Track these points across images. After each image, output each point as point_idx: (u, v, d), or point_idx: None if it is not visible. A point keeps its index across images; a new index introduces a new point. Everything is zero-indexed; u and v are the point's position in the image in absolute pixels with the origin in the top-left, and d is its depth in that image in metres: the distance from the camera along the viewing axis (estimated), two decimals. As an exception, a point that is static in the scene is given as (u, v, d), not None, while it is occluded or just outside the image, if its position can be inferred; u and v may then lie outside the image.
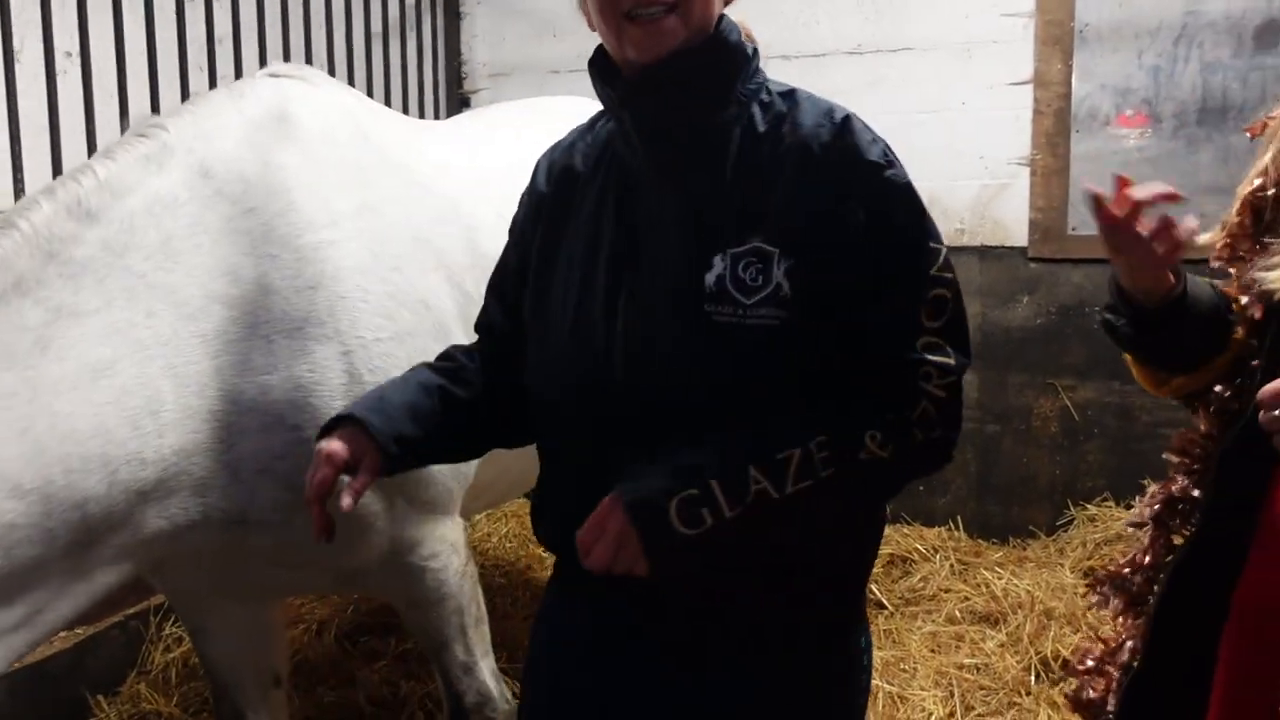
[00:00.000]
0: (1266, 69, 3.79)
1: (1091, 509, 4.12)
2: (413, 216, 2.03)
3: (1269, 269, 1.27)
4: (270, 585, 2.10)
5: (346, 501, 1.40)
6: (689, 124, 1.33)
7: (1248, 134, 1.45)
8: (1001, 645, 3.44)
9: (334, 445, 1.42)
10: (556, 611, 1.51)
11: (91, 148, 2.99)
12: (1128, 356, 1.47)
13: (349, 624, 3.53)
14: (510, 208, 1.95)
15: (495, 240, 1.99)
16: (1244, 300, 1.34)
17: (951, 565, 3.99)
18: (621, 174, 1.38)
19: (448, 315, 2.01)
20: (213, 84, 3.47)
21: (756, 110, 1.33)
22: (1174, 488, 1.45)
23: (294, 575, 1.99)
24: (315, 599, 3.59)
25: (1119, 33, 3.98)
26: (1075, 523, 4.13)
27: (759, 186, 1.29)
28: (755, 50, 1.39)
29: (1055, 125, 4.08)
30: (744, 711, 1.37)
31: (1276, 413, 1.09)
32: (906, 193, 1.31)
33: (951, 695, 3.16)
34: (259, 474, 1.74)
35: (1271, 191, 1.31)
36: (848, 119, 1.32)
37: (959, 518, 4.31)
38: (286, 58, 3.78)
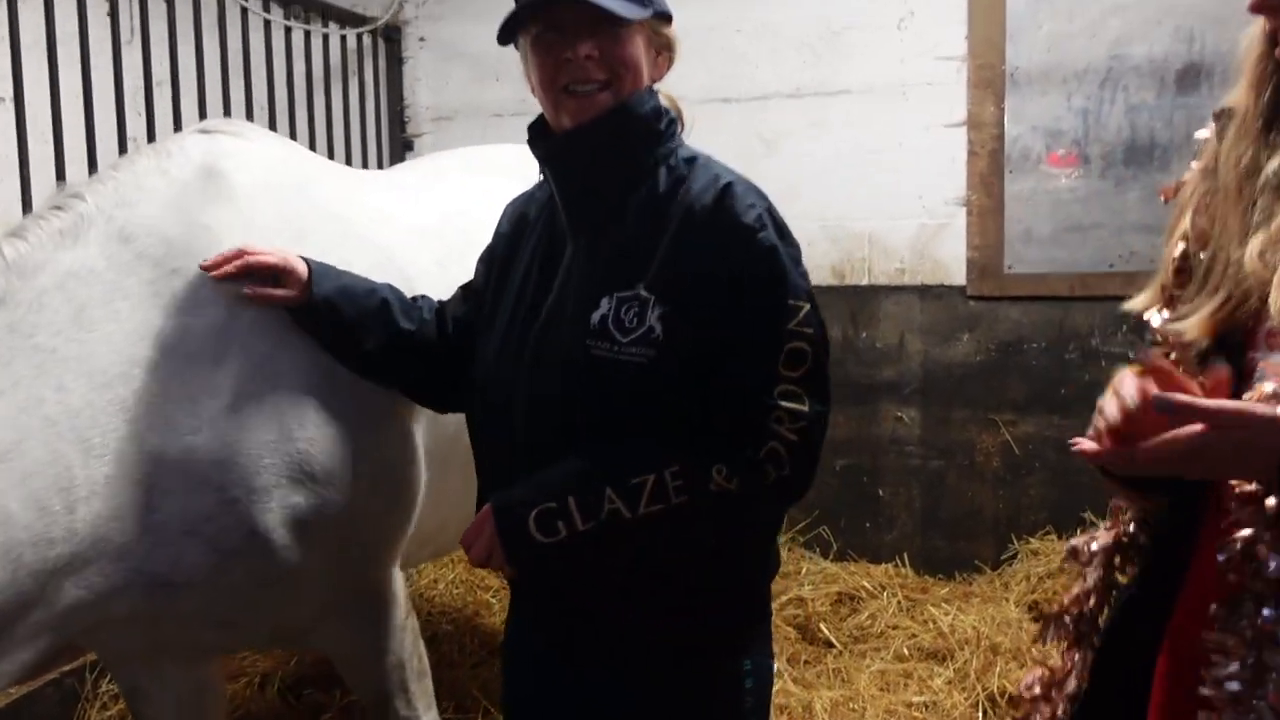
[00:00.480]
0: (1189, 109, 3.91)
1: (1034, 542, 4.17)
2: (350, 267, 2.03)
3: (1180, 319, 1.30)
4: (204, 645, 2.06)
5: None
6: (599, 183, 1.50)
7: (1162, 197, 1.48)
8: (949, 682, 3.46)
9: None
10: (510, 625, 1.74)
11: (26, 194, 2.95)
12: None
13: (292, 676, 3.46)
14: (448, 256, 1.95)
15: (433, 289, 2.00)
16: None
17: (899, 602, 4.01)
18: (551, 226, 1.58)
19: None
20: (150, 129, 3.45)
21: (662, 173, 1.50)
22: (1119, 531, 1.47)
23: (228, 634, 1.95)
24: (256, 651, 3.53)
25: (1048, 76, 4.09)
26: (1019, 556, 4.18)
27: (649, 240, 1.46)
28: (672, 120, 1.54)
29: (989, 166, 4.17)
30: (622, 713, 1.54)
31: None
32: (773, 254, 1.44)
33: (903, 734, 3.18)
34: (185, 535, 1.71)
35: (1195, 250, 1.35)
36: (730, 185, 1.47)
37: (905, 554, 4.34)
38: (226, 102, 3.77)
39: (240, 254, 1.78)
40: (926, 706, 3.32)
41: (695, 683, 1.54)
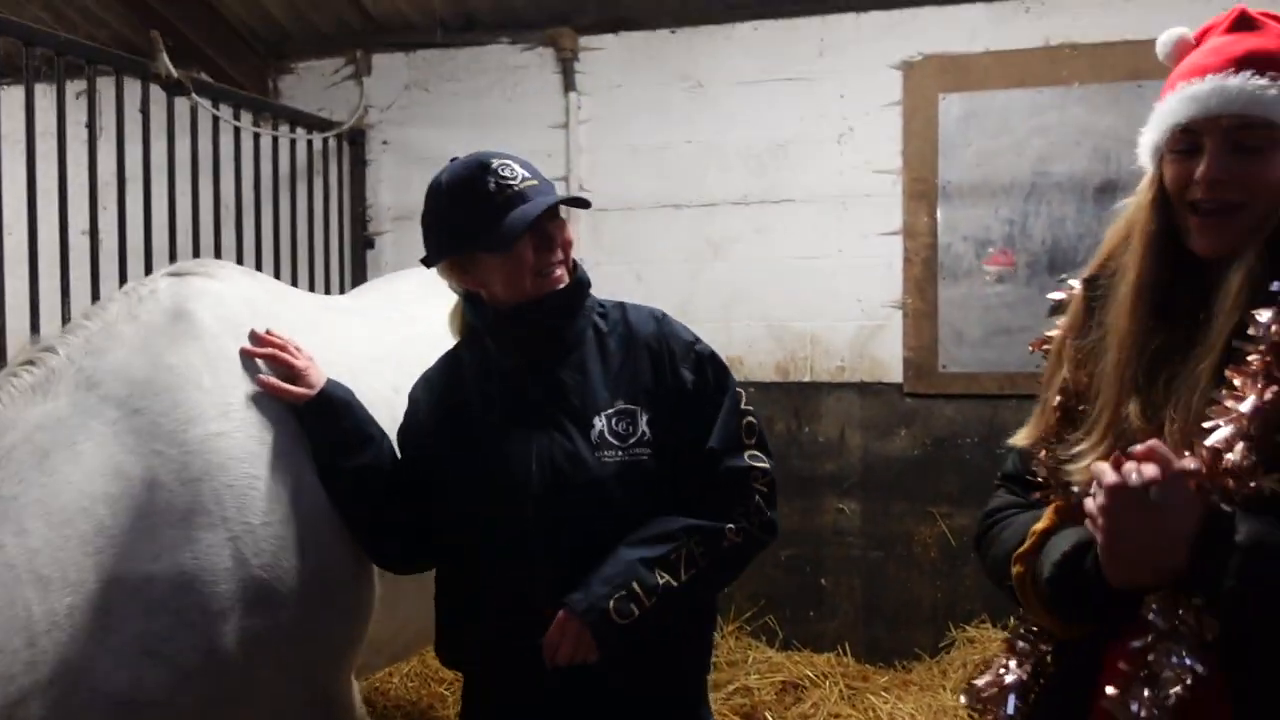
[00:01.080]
0: (1106, 221, 4.13)
1: (971, 631, 4.33)
2: None
3: (1070, 461, 1.43)
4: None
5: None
6: (563, 333, 1.85)
7: (1030, 348, 1.65)
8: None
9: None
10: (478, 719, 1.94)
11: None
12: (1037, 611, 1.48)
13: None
14: (406, 380, 2.12)
15: (390, 413, 2.15)
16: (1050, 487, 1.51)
17: (840, 690, 4.13)
18: (501, 381, 1.87)
19: None
20: (121, 221, 3.57)
21: (598, 319, 1.89)
22: (1025, 670, 1.53)
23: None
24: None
25: (977, 190, 4.35)
26: (956, 644, 4.33)
27: (615, 367, 1.84)
28: (589, 282, 1.92)
29: (924, 272, 4.41)
30: None
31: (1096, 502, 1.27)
32: (714, 357, 1.90)
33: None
34: (143, 656, 1.80)
35: (1075, 403, 1.48)
36: (664, 315, 1.92)
37: (848, 642, 4.48)
38: (195, 198, 3.91)
39: (277, 345, 2.05)
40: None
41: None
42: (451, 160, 1.88)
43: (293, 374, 2.06)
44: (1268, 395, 1.22)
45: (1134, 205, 1.48)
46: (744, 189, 4.59)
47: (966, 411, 4.35)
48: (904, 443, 4.45)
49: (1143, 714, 1.24)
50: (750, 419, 1.86)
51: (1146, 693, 1.24)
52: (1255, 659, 1.26)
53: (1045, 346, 1.59)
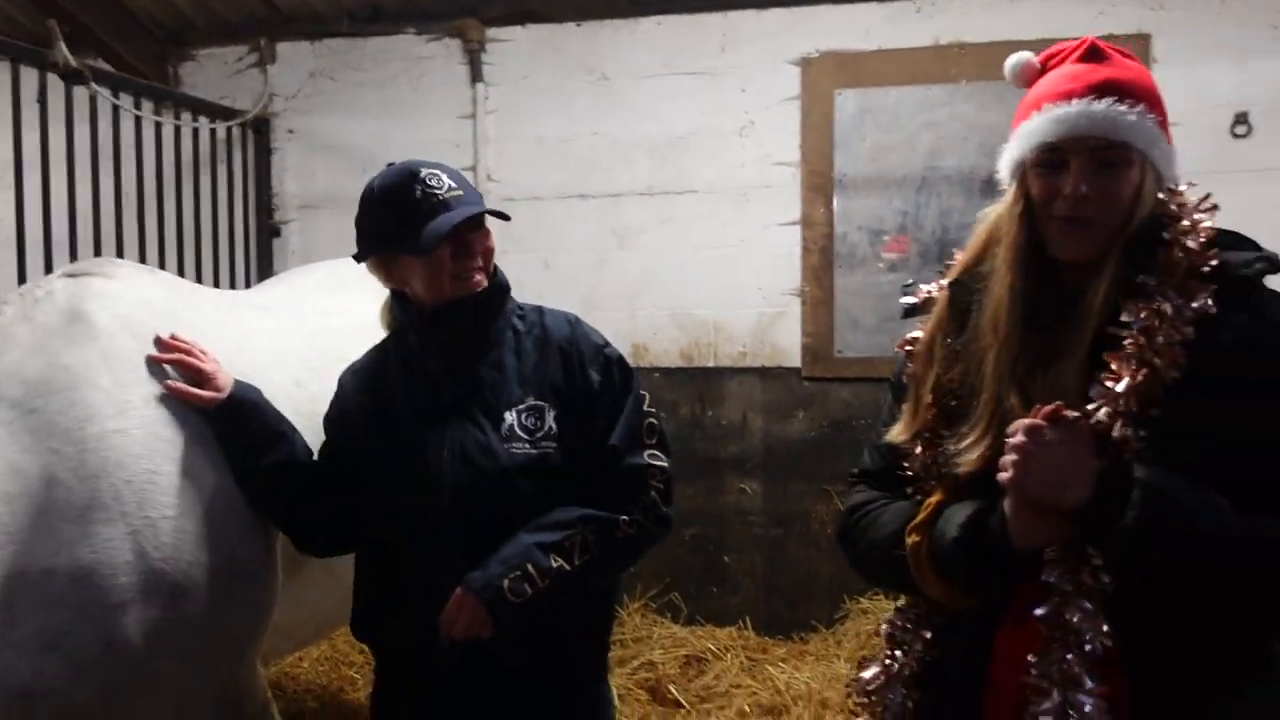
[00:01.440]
0: (993, 214, 4.37)
1: (865, 602, 4.54)
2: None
3: (958, 454, 1.52)
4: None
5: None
6: (484, 333, 1.98)
7: (896, 347, 1.73)
8: (786, 744, 3.76)
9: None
10: (384, 700, 2.08)
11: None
12: (930, 582, 1.56)
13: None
14: (306, 374, 2.17)
15: (292, 406, 2.21)
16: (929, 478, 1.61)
17: (741, 662, 4.30)
18: (422, 374, 2.00)
19: None
20: (20, 210, 3.55)
21: (516, 321, 2.02)
22: (914, 657, 1.62)
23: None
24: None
25: (872, 182, 4.54)
26: (850, 615, 4.54)
27: (529, 366, 1.97)
28: (508, 286, 2.04)
29: (821, 261, 4.58)
30: None
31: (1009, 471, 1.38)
32: (621, 361, 2.03)
33: (740, 788, 3.44)
34: (44, 649, 1.84)
35: (947, 400, 1.58)
36: (578, 320, 2.06)
37: (749, 616, 4.66)
38: (95, 186, 3.88)
39: (183, 349, 2.10)
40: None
41: (580, 707, 2.02)
42: (388, 165, 2.00)
43: (200, 378, 2.11)
44: (1140, 375, 1.36)
45: (997, 216, 1.59)
46: (648, 180, 4.71)
47: (861, 394, 4.54)
48: (802, 425, 4.63)
49: (1069, 670, 1.35)
50: (651, 420, 1.99)
51: (1068, 653, 1.36)
52: (1149, 619, 1.36)
53: (908, 348, 1.68)
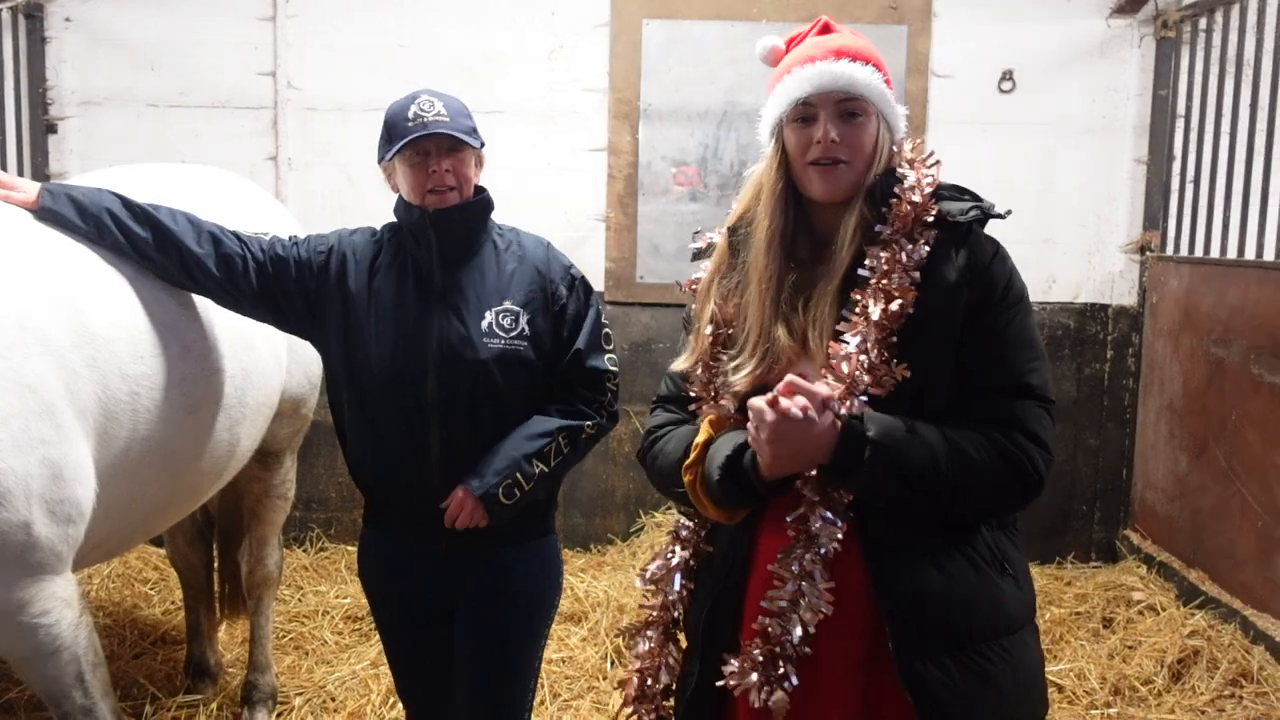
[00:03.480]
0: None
1: (659, 516, 4.82)
2: (15, 303, 2.10)
3: (732, 373, 1.78)
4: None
5: None
6: (468, 241, 2.27)
7: (681, 288, 1.95)
8: (584, 639, 3.97)
9: None
10: (380, 544, 2.38)
11: None
12: (700, 500, 1.75)
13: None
14: (117, 287, 2.12)
15: (103, 316, 2.15)
16: (717, 398, 1.83)
17: (543, 573, 4.48)
18: (415, 267, 2.27)
19: (54, 395, 2.09)
20: None
21: (497, 239, 2.32)
22: (693, 548, 1.87)
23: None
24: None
25: (675, 114, 4.71)
26: (645, 529, 4.82)
27: (507, 276, 2.26)
28: (493, 205, 2.32)
29: (625, 188, 4.74)
30: (496, 577, 2.29)
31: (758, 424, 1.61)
32: (584, 280, 2.35)
33: (542, 686, 3.62)
34: None
35: (724, 330, 1.83)
36: (550, 244, 2.38)
37: (549, 530, 4.83)
38: None
39: None
40: (564, 661, 3.80)
41: (541, 549, 2.38)
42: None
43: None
44: (889, 307, 1.63)
45: (761, 170, 1.83)
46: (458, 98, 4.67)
47: (660, 319, 4.77)
48: (604, 346, 4.80)
49: (805, 566, 1.63)
50: (607, 330, 2.35)
51: (806, 553, 1.64)
52: (878, 518, 1.66)
53: (694, 287, 1.91)
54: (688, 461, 1.75)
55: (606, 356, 2.32)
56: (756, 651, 1.64)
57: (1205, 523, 4.26)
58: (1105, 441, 4.92)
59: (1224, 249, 4.25)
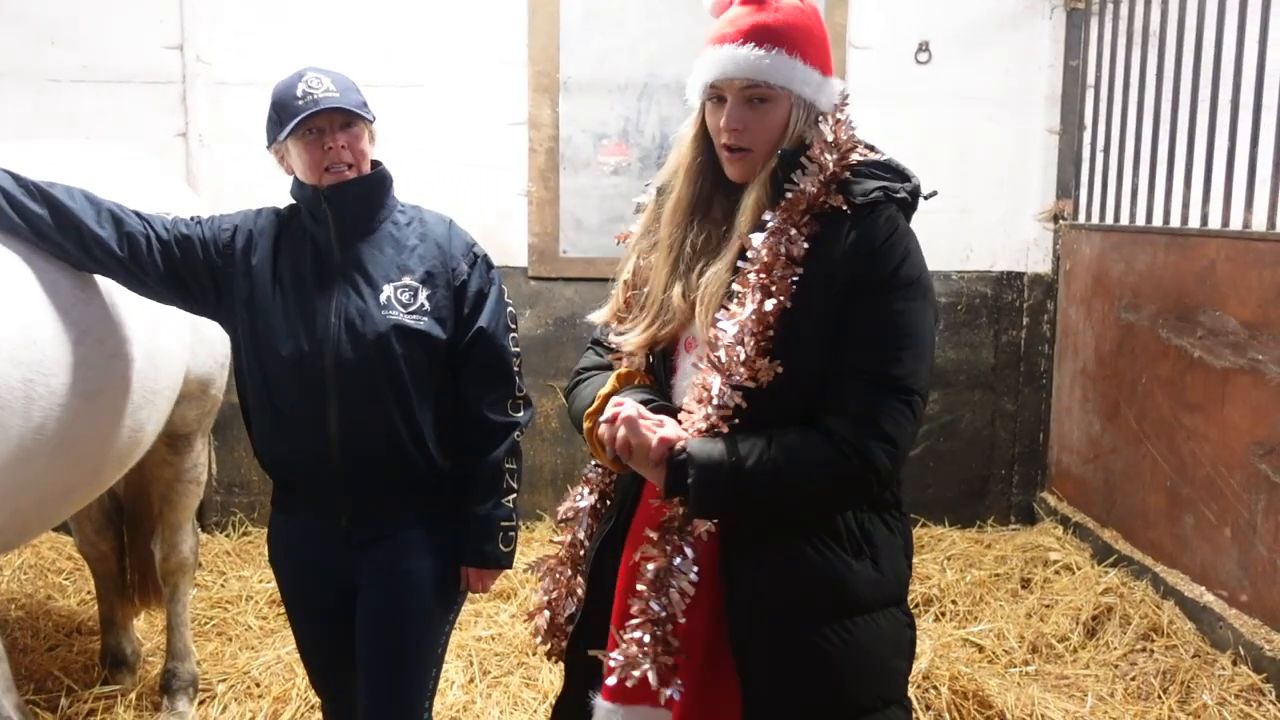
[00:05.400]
0: (708, 124, 4.65)
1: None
2: None
3: (624, 334, 1.86)
4: None
5: None
6: (366, 217, 2.23)
7: (616, 240, 2.01)
8: (512, 616, 3.97)
9: None
10: (285, 526, 2.36)
11: None
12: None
13: None
14: (7, 268, 2.06)
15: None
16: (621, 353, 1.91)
17: (471, 551, 4.46)
18: (314, 241, 2.24)
19: None
20: None
21: (399, 215, 2.29)
22: (599, 494, 1.99)
23: None
24: None
25: (595, 87, 4.68)
26: (574, 503, 4.80)
27: (407, 253, 2.24)
28: (392, 180, 2.30)
29: (547, 162, 4.70)
30: (395, 558, 2.27)
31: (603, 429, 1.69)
32: (486, 258, 2.32)
33: (471, 664, 3.62)
34: None
35: (638, 286, 1.89)
36: (453, 221, 2.34)
37: (477, 507, 4.81)
38: None
39: None
40: (493, 639, 3.81)
41: (447, 533, 2.32)
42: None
43: None
44: (763, 305, 1.64)
45: (681, 138, 1.86)
46: (372, 73, 4.58)
47: (584, 293, 4.75)
48: (529, 323, 4.79)
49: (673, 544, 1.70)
50: (511, 310, 2.33)
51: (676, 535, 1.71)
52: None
53: (625, 240, 1.97)
54: (589, 409, 1.81)
55: (511, 336, 2.31)
56: (640, 634, 1.69)
57: (1118, 484, 4.38)
58: (1022, 406, 5.03)
59: (1133, 216, 4.35)
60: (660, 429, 1.66)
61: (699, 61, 1.75)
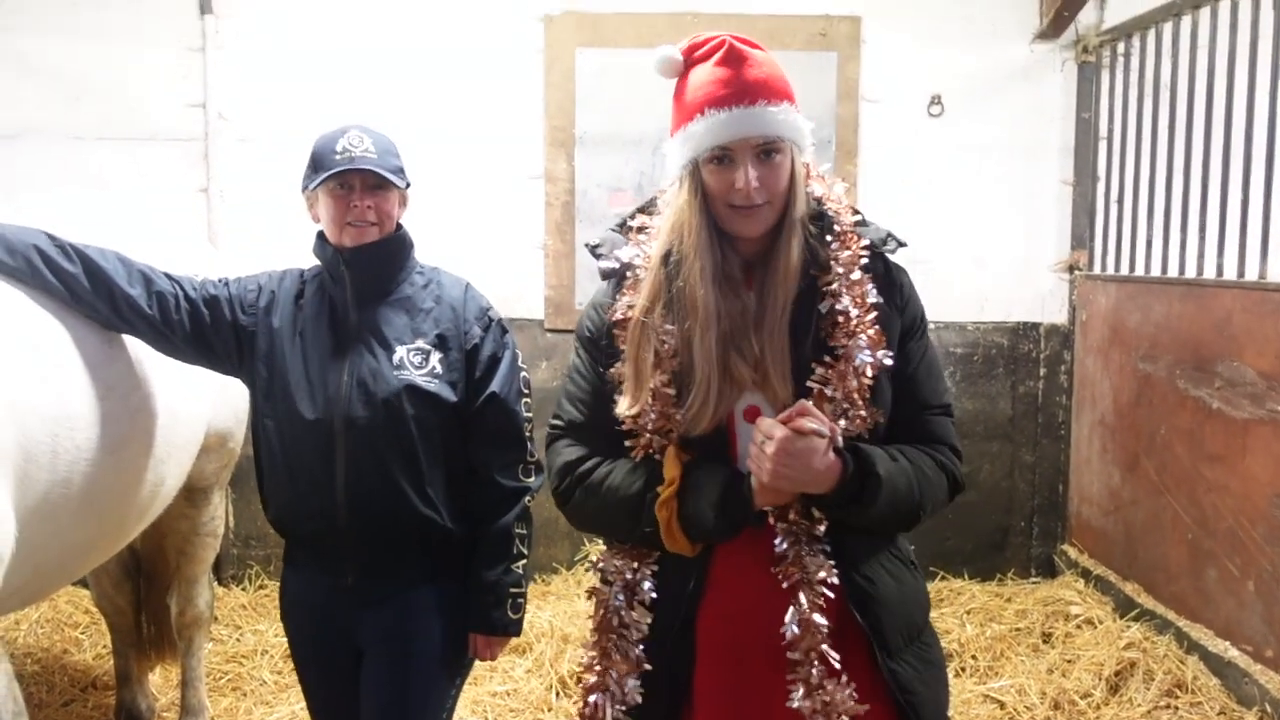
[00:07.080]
0: (722, 177, 4.70)
1: (601, 545, 4.78)
2: None
3: (690, 421, 1.74)
4: None
5: None
6: (384, 279, 2.27)
7: (607, 317, 1.83)
8: (528, 671, 3.93)
9: None
10: (295, 581, 2.36)
11: None
12: (674, 530, 1.74)
13: None
14: (37, 325, 2.08)
15: (22, 357, 2.10)
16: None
17: (486, 604, 4.43)
18: (333, 301, 2.28)
19: None
20: None
21: (416, 277, 2.32)
22: (638, 573, 1.81)
23: None
24: None
25: (610, 141, 4.74)
26: (589, 555, 4.79)
27: (422, 315, 2.27)
28: (412, 243, 2.33)
29: (563, 215, 4.74)
30: (402, 618, 2.26)
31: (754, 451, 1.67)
32: (500, 323, 2.34)
33: (485, 718, 3.58)
34: None
35: (670, 368, 1.77)
36: (470, 284, 2.37)
37: (493, 560, 4.79)
38: None
39: None
40: (508, 694, 3.76)
41: (456, 594, 2.30)
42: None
43: None
44: (881, 359, 1.73)
45: (680, 204, 1.76)
46: (391, 128, 4.63)
47: (600, 345, 4.74)
48: (545, 374, 4.80)
49: (810, 602, 1.68)
50: (525, 375, 2.35)
51: (804, 597, 1.68)
52: (850, 539, 1.75)
53: (616, 316, 1.81)
54: (662, 499, 1.71)
55: (524, 401, 2.31)
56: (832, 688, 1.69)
57: (1138, 536, 4.34)
58: (1041, 458, 5.00)
59: (1148, 267, 4.36)
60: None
61: (694, 128, 1.70)
